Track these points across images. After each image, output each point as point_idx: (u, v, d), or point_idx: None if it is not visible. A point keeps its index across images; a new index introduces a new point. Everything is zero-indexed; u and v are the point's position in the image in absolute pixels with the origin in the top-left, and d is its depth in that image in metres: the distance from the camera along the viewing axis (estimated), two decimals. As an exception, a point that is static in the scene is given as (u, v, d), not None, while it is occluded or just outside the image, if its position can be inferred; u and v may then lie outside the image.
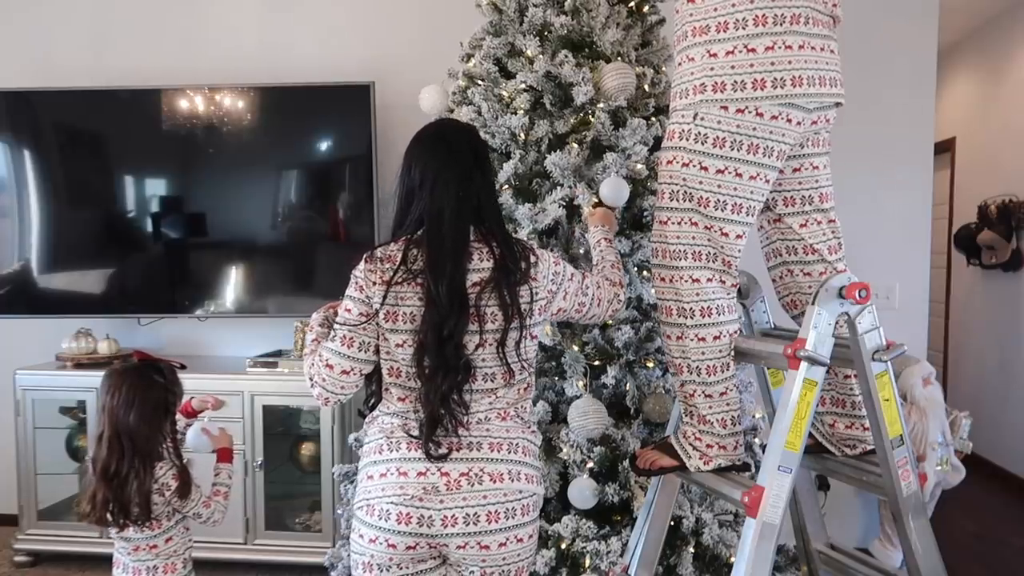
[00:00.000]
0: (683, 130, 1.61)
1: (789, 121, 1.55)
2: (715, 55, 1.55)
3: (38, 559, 3.42)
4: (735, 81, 1.53)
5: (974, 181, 5.09)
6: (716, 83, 1.55)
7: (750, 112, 1.53)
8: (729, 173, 1.57)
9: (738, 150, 1.55)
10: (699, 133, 1.58)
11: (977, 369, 5.03)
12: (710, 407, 1.64)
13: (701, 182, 1.59)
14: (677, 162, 1.62)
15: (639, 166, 2.29)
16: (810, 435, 1.75)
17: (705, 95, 1.56)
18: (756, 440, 2.34)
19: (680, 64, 1.64)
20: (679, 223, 1.63)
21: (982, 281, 4.99)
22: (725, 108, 1.55)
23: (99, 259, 3.58)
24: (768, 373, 1.93)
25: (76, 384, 3.36)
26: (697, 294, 1.62)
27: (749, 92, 1.53)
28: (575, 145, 2.33)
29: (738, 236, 1.61)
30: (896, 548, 3.12)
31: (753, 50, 1.53)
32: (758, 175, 1.57)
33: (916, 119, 3.37)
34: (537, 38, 2.40)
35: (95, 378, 3.31)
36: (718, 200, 1.58)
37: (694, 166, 1.59)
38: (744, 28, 1.53)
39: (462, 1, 2.80)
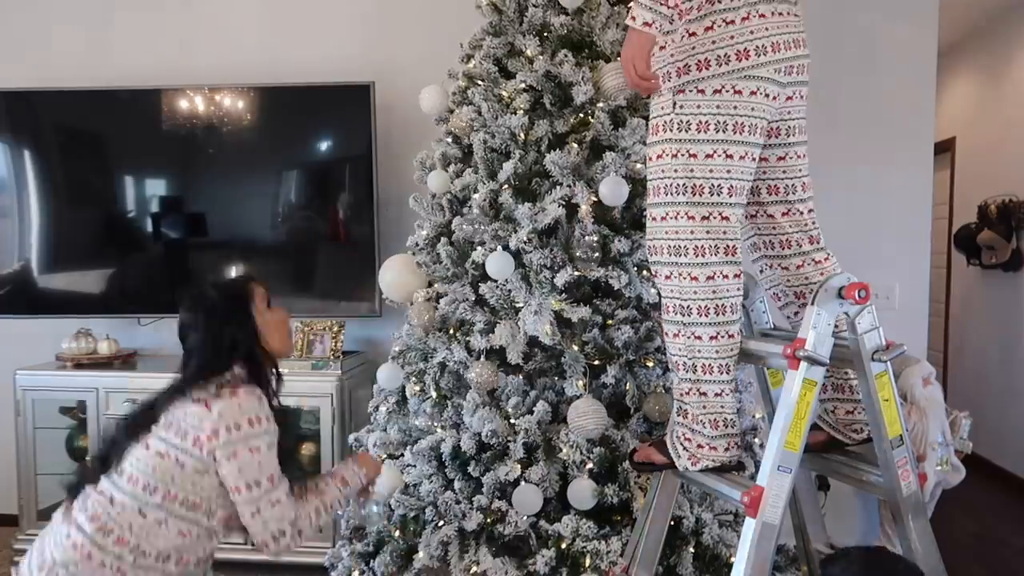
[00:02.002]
0: (665, 122, 1.61)
1: (767, 96, 1.56)
2: (694, 34, 1.57)
3: (38, 559, 3.42)
4: (719, 56, 1.54)
5: (974, 181, 5.09)
6: (700, 61, 1.56)
7: (727, 91, 1.54)
8: (719, 156, 1.57)
9: (723, 131, 1.56)
10: (682, 121, 1.58)
11: (977, 369, 5.02)
12: (703, 407, 1.64)
13: (692, 170, 1.58)
14: (666, 155, 1.61)
15: (639, 165, 2.29)
16: (819, 428, 1.76)
17: (690, 75, 1.57)
18: (756, 440, 2.34)
19: (663, 48, 1.64)
20: (675, 217, 1.62)
21: (982, 281, 4.99)
22: (703, 92, 1.55)
23: (99, 259, 3.58)
24: (768, 373, 1.93)
25: (76, 384, 3.36)
26: (695, 292, 1.62)
27: (735, 64, 1.54)
28: (575, 145, 2.33)
29: (737, 219, 1.61)
30: (896, 548, 3.12)
31: (732, 22, 1.55)
32: (746, 154, 1.58)
33: (916, 119, 3.36)
34: (537, 38, 2.41)
35: (95, 378, 3.35)
36: (713, 185, 1.58)
37: (683, 155, 1.59)
38: (720, 2, 1.56)
39: (462, 1, 2.80)
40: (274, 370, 1.87)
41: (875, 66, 3.33)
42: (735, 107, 1.54)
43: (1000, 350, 4.73)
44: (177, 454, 1.67)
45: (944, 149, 5.28)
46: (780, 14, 1.57)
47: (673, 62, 1.59)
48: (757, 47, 1.54)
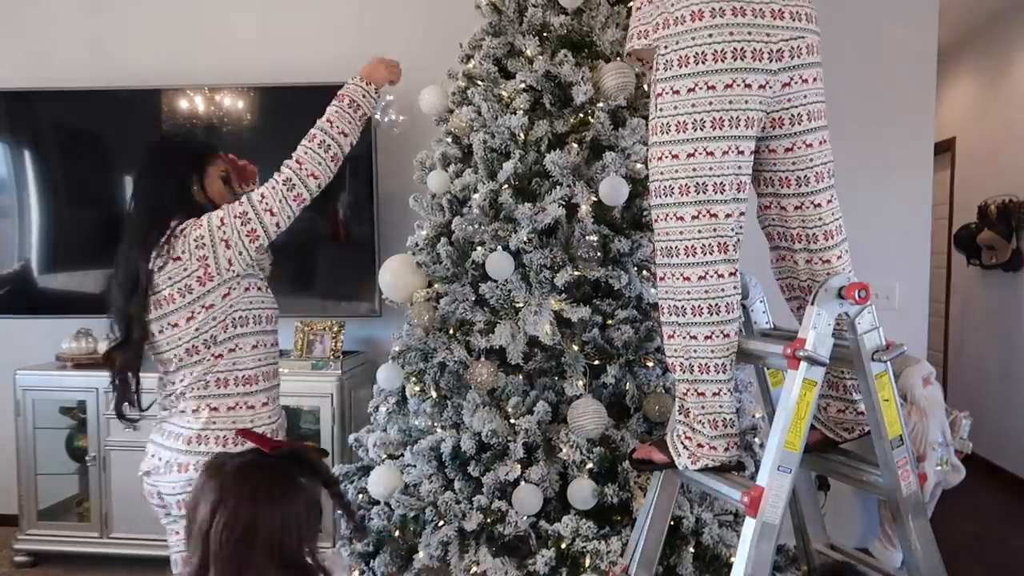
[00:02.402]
0: (652, 125, 1.62)
1: (748, 87, 1.52)
2: None
3: (38, 559, 3.42)
4: (692, 12, 1.52)
5: (974, 181, 5.09)
6: (674, 18, 1.55)
7: (701, 88, 1.52)
8: (700, 154, 1.55)
9: (701, 129, 1.54)
10: (664, 124, 1.58)
11: (977, 369, 5.03)
12: (702, 407, 1.64)
13: (676, 171, 1.57)
14: (654, 158, 1.63)
15: (639, 165, 2.29)
16: (813, 427, 1.75)
17: (669, 29, 1.55)
18: (756, 440, 2.34)
19: (640, 7, 1.63)
20: (665, 219, 1.62)
21: (982, 281, 4.99)
22: (677, 92, 1.54)
23: (99, 259, 3.56)
24: (768, 373, 1.93)
25: (76, 384, 3.36)
26: (688, 292, 1.61)
27: (708, 20, 1.50)
28: (575, 145, 2.33)
29: (728, 215, 1.57)
30: (896, 548, 3.12)
31: None
32: (730, 148, 1.54)
33: (916, 119, 3.37)
34: (536, 38, 2.41)
35: (95, 378, 3.34)
36: (697, 184, 1.56)
37: (667, 157, 1.58)
38: None
39: (462, 2, 2.80)
40: None
41: (875, 66, 3.33)
42: (710, 103, 1.52)
43: (1000, 350, 4.73)
44: (196, 306, 1.79)
45: (944, 149, 5.28)
46: None
47: (651, 20, 1.59)
48: (735, 7, 1.50)
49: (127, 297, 1.78)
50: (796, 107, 1.60)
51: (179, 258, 1.77)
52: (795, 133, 1.62)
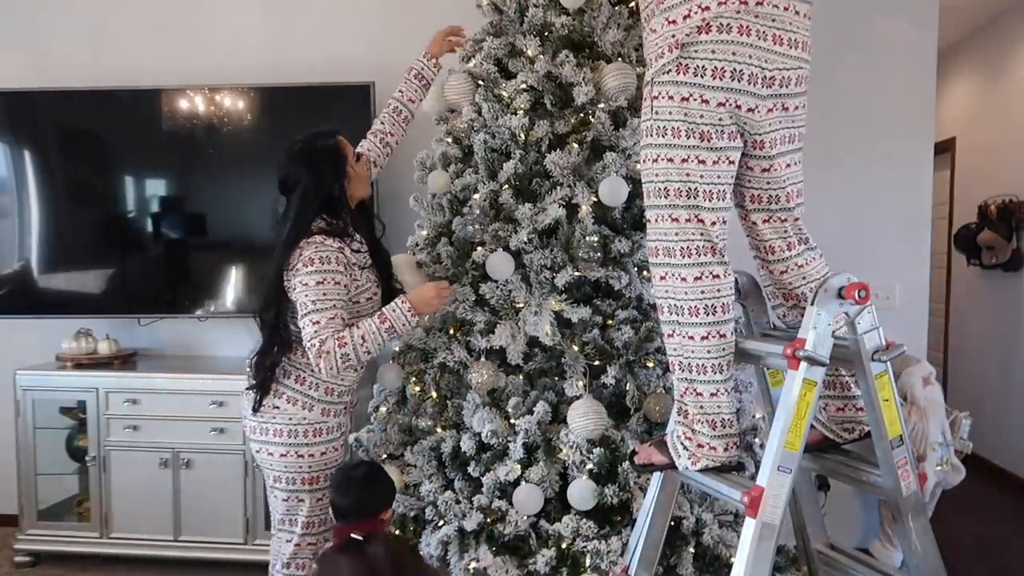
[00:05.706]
0: (647, 126, 1.64)
1: (739, 107, 1.55)
2: (674, 22, 1.56)
3: (38, 559, 3.42)
4: (699, 26, 1.53)
5: (974, 181, 5.09)
6: (671, 43, 1.56)
7: (695, 100, 1.55)
8: (692, 161, 1.58)
9: (692, 137, 1.57)
10: (659, 127, 1.60)
11: (977, 369, 5.03)
12: (700, 407, 1.65)
13: (671, 174, 1.60)
14: (648, 159, 1.64)
15: (639, 166, 2.28)
16: (813, 427, 1.76)
17: (664, 57, 1.57)
18: (756, 440, 2.34)
19: (647, 38, 1.66)
20: (661, 220, 1.64)
21: (982, 281, 4.99)
22: (672, 98, 1.56)
23: (99, 259, 3.58)
24: (768, 373, 1.93)
25: (76, 384, 3.36)
26: (686, 292, 1.62)
27: (715, 35, 1.52)
28: (575, 145, 2.33)
29: (713, 223, 1.61)
30: (896, 548, 3.12)
31: (707, 8, 1.53)
32: (719, 159, 1.58)
33: (916, 119, 3.37)
34: (538, 38, 2.41)
35: (95, 378, 3.35)
36: (690, 189, 1.59)
37: (662, 160, 1.61)
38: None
39: (462, 1, 2.80)
40: (353, 210, 2.18)
41: (875, 66, 3.33)
42: (701, 116, 1.55)
43: (1000, 350, 4.73)
44: None
45: (944, 149, 5.28)
46: (775, 6, 1.54)
47: (655, 48, 1.61)
48: (720, 25, 1.52)
49: None
50: (774, 131, 1.64)
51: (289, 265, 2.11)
52: (772, 156, 1.66)
